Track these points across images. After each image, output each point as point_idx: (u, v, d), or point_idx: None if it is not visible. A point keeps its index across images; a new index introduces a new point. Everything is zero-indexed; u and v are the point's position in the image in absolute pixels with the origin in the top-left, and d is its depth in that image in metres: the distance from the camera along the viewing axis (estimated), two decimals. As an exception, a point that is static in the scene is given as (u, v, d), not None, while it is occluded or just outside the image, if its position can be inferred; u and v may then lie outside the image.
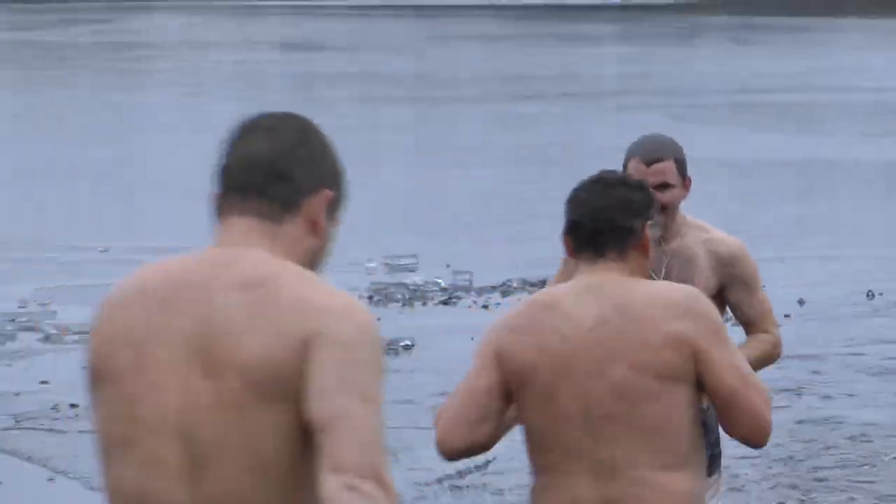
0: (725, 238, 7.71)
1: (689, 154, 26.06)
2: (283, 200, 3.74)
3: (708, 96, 47.04)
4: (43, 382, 17.55)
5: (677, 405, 5.54)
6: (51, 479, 14.09)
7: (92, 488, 13.98)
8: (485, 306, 21.50)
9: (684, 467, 5.66)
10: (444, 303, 22.22)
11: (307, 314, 3.48)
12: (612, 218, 5.81)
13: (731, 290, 7.64)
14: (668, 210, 7.50)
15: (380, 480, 3.32)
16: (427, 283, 23.02)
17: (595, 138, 36.44)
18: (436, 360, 18.35)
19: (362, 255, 23.66)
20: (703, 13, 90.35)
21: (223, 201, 3.84)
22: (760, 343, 7.56)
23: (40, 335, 19.28)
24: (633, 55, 63.64)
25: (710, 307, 5.74)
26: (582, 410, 5.53)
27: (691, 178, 7.69)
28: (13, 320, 19.59)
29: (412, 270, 23.57)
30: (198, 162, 26.65)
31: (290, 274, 3.61)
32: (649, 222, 5.95)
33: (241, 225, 3.73)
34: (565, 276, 8.07)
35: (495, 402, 5.67)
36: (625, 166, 7.49)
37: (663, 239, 7.47)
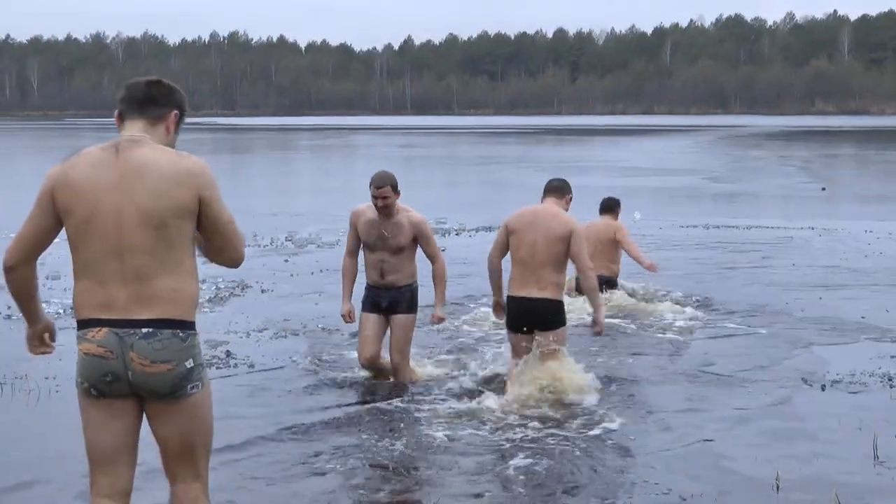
0: (415, 214, 8.90)
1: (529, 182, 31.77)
2: None
3: (547, 163, 47.06)
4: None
5: (186, 231, 4.29)
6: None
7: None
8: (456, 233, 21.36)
9: (191, 272, 4.37)
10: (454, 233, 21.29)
11: None
12: (158, 97, 4.48)
13: (419, 239, 8.92)
14: (389, 207, 8.76)
15: None
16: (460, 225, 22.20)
17: (521, 177, 36.06)
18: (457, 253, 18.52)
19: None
20: (550, 135, 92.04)
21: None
22: (437, 269, 8.99)
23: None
24: (524, 149, 65.72)
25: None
26: (116, 230, 4.25)
27: (400, 191, 8.81)
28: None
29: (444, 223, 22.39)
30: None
31: None
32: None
33: None
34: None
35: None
36: (370, 187, 8.75)
37: (388, 216, 8.80)
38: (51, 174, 4.38)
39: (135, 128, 4.42)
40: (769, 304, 13.33)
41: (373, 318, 9.11)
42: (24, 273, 4.50)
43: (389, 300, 9.04)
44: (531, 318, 8.63)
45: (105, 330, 4.28)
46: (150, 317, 4.25)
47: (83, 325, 4.37)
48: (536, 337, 8.58)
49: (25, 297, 4.55)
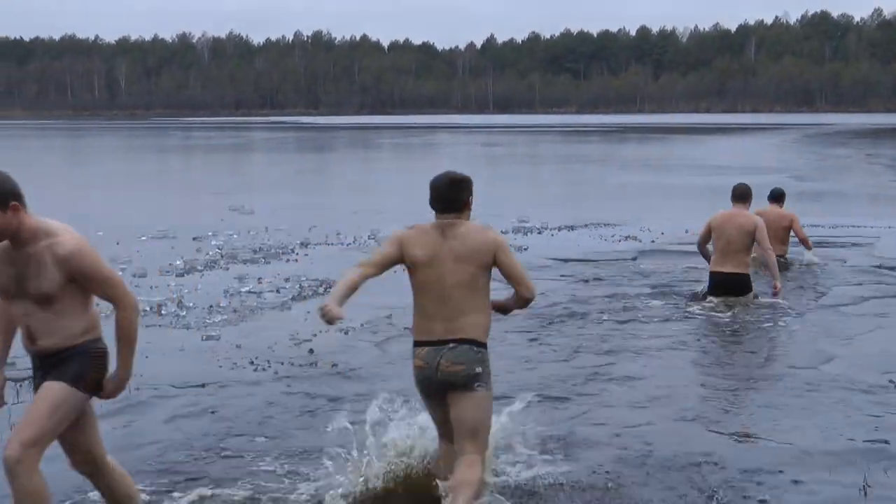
0: (66, 241, 5.36)
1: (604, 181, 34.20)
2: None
3: (630, 161, 48.18)
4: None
5: (486, 282, 6.15)
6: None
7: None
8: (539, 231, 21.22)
9: (486, 311, 6.15)
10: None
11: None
12: (458, 197, 6.17)
13: (78, 279, 5.44)
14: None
15: None
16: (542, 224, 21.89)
17: (604, 175, 36.73)
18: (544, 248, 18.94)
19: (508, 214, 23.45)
20: (633, 133, 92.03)
21: None
22: (118, 318, 5.50)
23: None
24: (607, 147, 65.95)
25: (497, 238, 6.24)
26: (440, 283, 6.09)
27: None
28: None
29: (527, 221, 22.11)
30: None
31: None
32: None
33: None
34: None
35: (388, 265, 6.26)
36: None
37: (17, 245, 5.42)
38: (403, 232, 6.38)
39: (448, 217, 6.27)
40: (855, 303, 13.10)
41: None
42: (362, 282, 6.25)
43: (44, 371, 5.70)
44: (727, 287, 12.62)
45: (426, 349, 6.19)
46: (456, 337, 6.15)
47: (416, 344, 6.27)
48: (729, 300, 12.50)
49: (349, 294, 6.20)
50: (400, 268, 6.28)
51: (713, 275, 12.77)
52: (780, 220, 15.69)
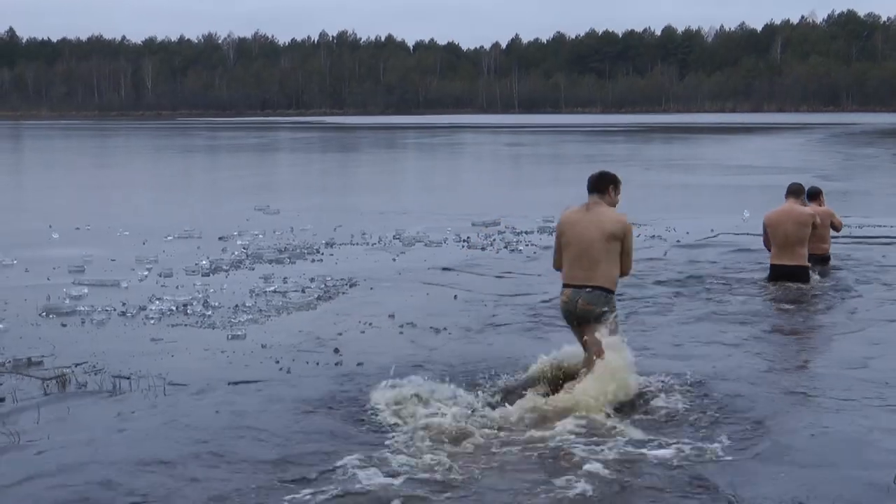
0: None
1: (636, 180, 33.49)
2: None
3: (655, 161, 47.65)
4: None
5: (616, 249, 8.48)
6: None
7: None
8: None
9: (615, 268, 8.53)
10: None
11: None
12: (602, 186, 8.65)
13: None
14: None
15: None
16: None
17: (629, 175, 41.50)
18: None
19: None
20: (658, 133, 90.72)
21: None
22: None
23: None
24: (632, 147, 64.58)
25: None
26: (580, 243, 8.47)
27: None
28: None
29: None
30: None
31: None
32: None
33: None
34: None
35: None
36: None
37: None
38: (560, 220, 8.76)
39: (594, 197, 8.60)
40: (886, 305, 12.92)
41: None
42: None
43: None
44: (785, 276, 13.75)
45: (570, 289, 8.50)
46: (592, 284, 8.39)
47: (564, 286, 8.54)
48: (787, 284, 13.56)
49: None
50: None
51: (773, 267, 14.09)
52: (822, 216, 15.55)
